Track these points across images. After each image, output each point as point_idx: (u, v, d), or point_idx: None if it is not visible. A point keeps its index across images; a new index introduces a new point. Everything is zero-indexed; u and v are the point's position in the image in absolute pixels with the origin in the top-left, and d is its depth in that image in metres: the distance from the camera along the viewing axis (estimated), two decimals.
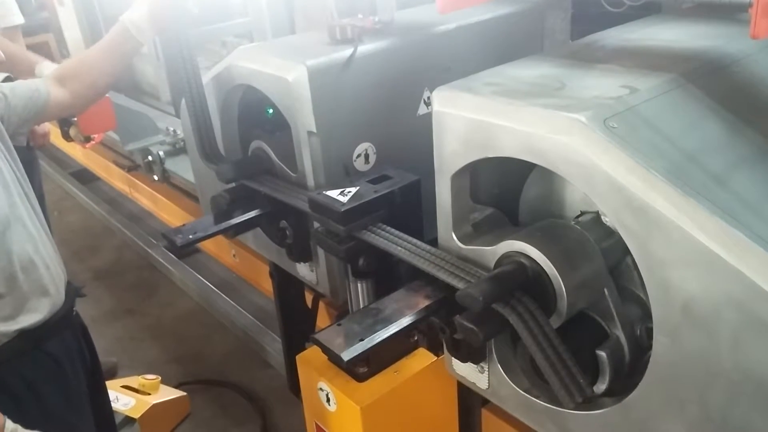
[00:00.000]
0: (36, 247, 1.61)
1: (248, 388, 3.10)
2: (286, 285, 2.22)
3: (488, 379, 1.37)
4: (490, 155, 1.19)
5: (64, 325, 1.72)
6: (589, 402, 1.22)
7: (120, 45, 1.77)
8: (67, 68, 1.82)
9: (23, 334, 1.59)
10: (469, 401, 1.80)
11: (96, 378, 1.93)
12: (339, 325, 1.22)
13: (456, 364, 1.45)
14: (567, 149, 1.04)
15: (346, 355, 1.13)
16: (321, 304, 2.33)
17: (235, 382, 3.15)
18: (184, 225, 1.70)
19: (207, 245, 3.28)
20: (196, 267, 3.90)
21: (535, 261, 1.16)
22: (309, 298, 2.33)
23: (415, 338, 1.67)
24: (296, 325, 2.28)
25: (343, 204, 1.43)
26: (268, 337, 3.15)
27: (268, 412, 2.97)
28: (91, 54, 1.82)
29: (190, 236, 1.62)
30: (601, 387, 1.20)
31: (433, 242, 1.46)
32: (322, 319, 2.36)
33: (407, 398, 1.62)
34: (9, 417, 1.46)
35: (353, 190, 1.48)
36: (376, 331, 1.19)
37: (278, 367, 3.06)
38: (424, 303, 1.27)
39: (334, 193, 1.48)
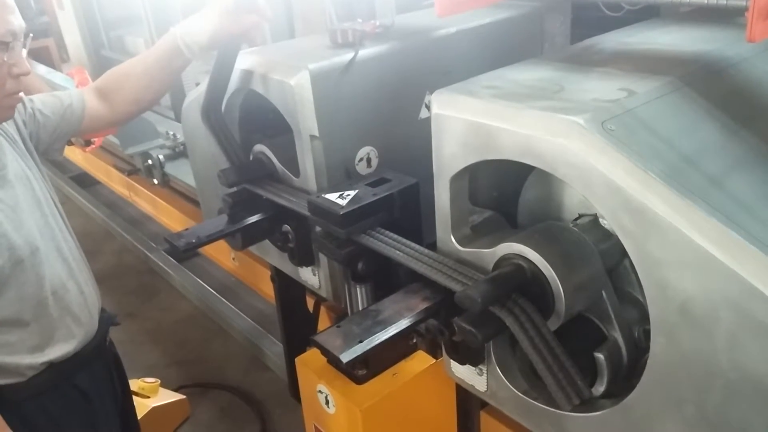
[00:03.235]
0: (71, 271, 1.52)
1: (248, 392, 3.10)
2: (288, 289, 2.22)
3: (487, 382, 1.37)
4: (489, 158, 1.20)
5: (96, 355, 1.62)
6: (588, 404, 1.22)
7: (170, 61, 1.64)
8: (110, 81, 1.68)
9: (52, 366, 1.49)
10: (468, 403, 1.81)
11: (126, 410, 1.83)
12: (338, 327, 1.23)
13: (455, 366, 1.45)
14: (565, 151, 1.05)
15: (345, 357, 1.14)
16: (322, 309, 2.34)
17: (234, 385, 3.15)
18: (186, 229, 1.70)
19: (206, 249, 3.28)
20: (195, 271, 3.91)
21: (533, 263, 1.16)
22: (310, 302, 2.34)
23: (414, 341, 1.67)
24: (297, 329, 2.29)
25: (342, 207, 1.44)
26: (268, 341, 3.16)
27: (268, 415, 2.97)
28: (137, 68, 1.66)
29: (193, 240, 1.62)
30: (599, 389, 1.21)
31: (432, 246, 1.47)
32: (324, 323, 2.36)
33: (406, 400, 1.62)
34: None
35: (352, 193, 1.48)
36: (375, 333, 1.19)
37: (277, 370, 3.06)
38: (423, 305, 1.27)
39: (333, 196, 1.48)
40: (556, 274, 1.14)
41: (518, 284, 1.17)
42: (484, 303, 1.12)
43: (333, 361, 1.55)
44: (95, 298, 1.62)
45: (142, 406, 2.76)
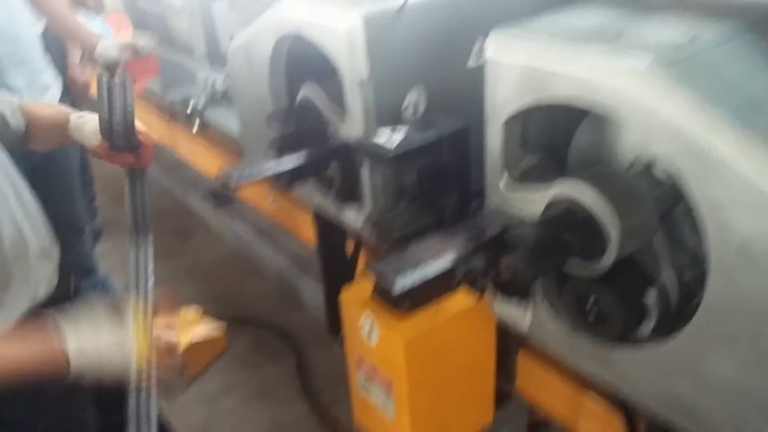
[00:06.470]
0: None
1: (283, 329, 3.21)
2: (328, 231, 2.27)
3: (531, 319, 1.42)
4: (545, 101, 1.21)
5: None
6: (634, 341, 1.26)
7: None
8: None
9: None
10: (507, 344, 1.86)
11: None
12: (391, 257, 1.27)
13: (499, 303, 1.49)
14: (626, 95, 1.05)
15: (398, 286, 1.18)
16: (361, 252, 2.38)
17: (270, 322, 3.26)
18: (234, 166, 1.73)
19: (244, 193, 3.33)
20: (232, 215, 3.99)
21: (585, 205, 1.18)
22: (350, 246, 2.38)
23: (458, 279, 1.71)
24: (336, 271, 2.35)
25: (392, 150, 1.46)
26: (303, 281, 3.24)
27: (302, 350, 3.07)
28: None
29: (243, 177, 1.65)
30: (647, 329, 1.24)
31: (479, 194, 1.49)
32: (362, 266, 2.41)
33: (448, 336, 1.67)
34: None
35: (401, 135, 1.50)
36: (428, 264, 1.23)
37: (312, 309, 3.15)
38: (473, 241, 1.31)
39: (382, 139, 1.50)
40: (609, 216, 1.16)
41: (570, 225, 1.19)
42: (535, 242, 1.16)
43: (384, 290, 1.60)
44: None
45: (184, 337, 2.89)
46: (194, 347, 2.90)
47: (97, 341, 1.26)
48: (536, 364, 1.84)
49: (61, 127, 1.58)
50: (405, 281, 1.19)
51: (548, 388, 1.84)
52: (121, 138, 1.48)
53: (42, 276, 1.57)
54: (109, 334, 1.27)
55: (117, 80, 1.45)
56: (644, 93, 1.03)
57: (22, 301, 1.50)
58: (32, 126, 1.59)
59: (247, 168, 1.69)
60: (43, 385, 1.34)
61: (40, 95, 2.61)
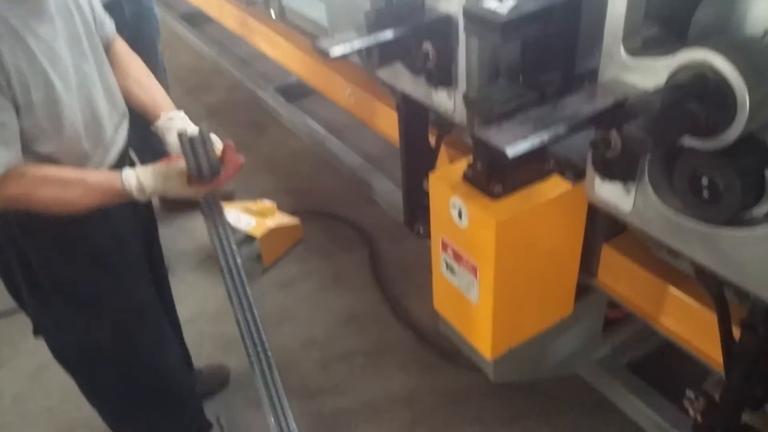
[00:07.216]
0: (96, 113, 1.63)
1: (356, 222, 3.26)
2: (412, 120, 2.23)
3: (634, 201, 1.37)
4: None
5: None
6: (746, 222, 1.21)
7: None
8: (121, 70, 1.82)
9: None
10: (590, 237, 1.83)
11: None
12: (500, 126, 1.23)
13: (598, 185, 1.45)
14: None
15: (510, 151, 1.14)
16: (443, 145, 2.35)
17: (343, 215, 3.32)
18: (333, 37, 1.69)
19: (321, 85, 3.31)
20: (304, 110, 3.99)
21: (717, 71, 1.10)
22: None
23: (550, 164, 1.67)
24: (417, 161, 2.33)
25: (504, 14, 1.39)
26: (376, 176, 3.25)
27: (375, 243, 3.13)
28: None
29: (338, 45, 1.61)
30: (763, 210, 1.19)
31: (583, 78, 1.41)
32: (443, 158, 2.39)
33: (538, 222, 1.65)
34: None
35: (512, 1, 1.42)
36: (539, 131, 1.18)
37: (384, 205, 3.18)
38: (584, 112, 1.25)
39: (492, 5, 1.43)
40: (743, 83, 1.08)
41: (698, 93, 1.12)
42: (662, 107, 1.09)
43: (477, 173, 1.58)
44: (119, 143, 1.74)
45: (262, 224, 2.97)
46: (270, 234, 2.98)
47: (149, 168, 1.57)
48: (620, 257, 1.81)
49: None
50: (518, 146, 1.15)
51: (632, 282, 1.82)
52: (210, 177, 1.63)
53: (118, 145, 1.72)
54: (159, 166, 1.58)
55: (197, 136, 1.61)
56: None
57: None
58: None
59: (342, 37, 1.64)
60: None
61: None
